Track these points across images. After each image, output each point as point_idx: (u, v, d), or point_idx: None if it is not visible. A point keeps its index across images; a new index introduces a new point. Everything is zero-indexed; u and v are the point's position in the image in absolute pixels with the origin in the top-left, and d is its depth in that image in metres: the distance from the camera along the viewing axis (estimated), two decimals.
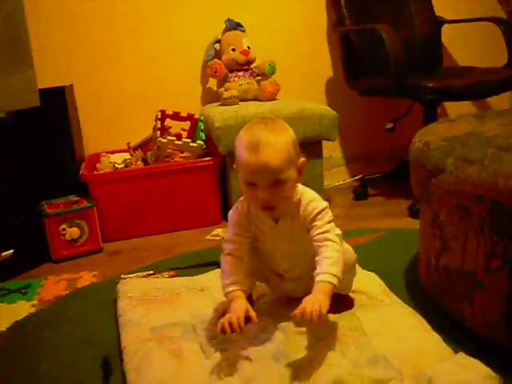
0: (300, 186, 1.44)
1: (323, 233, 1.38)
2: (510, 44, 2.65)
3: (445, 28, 3.01)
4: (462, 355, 1.29)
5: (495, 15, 2.99)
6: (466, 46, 3.21)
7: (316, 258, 1.36)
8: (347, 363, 1.33)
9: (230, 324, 1.33)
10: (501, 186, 1.23)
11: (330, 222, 1.40)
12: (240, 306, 1.38)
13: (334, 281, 1.31)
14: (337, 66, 3.00)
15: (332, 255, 1.35)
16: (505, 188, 1.23)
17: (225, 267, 1.45)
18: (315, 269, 1.36)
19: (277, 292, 1.63)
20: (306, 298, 1.29)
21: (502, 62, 2.71)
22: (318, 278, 1.32)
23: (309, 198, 1.43)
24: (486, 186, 1.27)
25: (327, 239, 1.37)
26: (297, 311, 1.27)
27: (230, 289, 1.42)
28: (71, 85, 2.64)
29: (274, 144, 1.31)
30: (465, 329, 1.46)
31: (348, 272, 1.47)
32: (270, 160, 1.30)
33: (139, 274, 1.98)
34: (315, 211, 1.40)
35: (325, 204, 1.42)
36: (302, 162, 1.40)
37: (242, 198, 1.47)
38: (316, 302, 1.26)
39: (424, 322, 1.49)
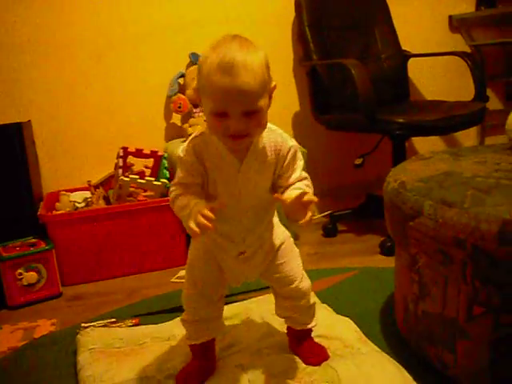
0: (268, 124, 1.29)
1: (300, 179, 1.30)
2: (476, 78, 2.65)
3: (411, 62, 3.01)
4: None
5: (459, 49, 3.01)
6: (432, 79, 3.22)
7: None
8: None
9: (199, 224, 1.14)
10: (483, 231, 1.18)
11: (301, 165, 1.31)
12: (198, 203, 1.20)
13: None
14: (304, 100, 2.97)
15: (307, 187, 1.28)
16: (487, 233, 1.17)
17: (182, 202, 1.24)
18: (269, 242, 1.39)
19: (232, 276, 1.45)
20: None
21: (467, 95, 2.70)
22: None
23: (281, 137, 1.30)
24: (468, 231, 1.21)
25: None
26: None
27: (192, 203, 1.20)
28: (29, 121, 2.55)
29: (251, 65, 1.13)
30: (447, 378, 1.40)
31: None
32: (246, 84, 1.12)
33: (100, 322, 1.87)
34: (290, 153, 1.29)
35: (296, 144, 1.31)
36: (274, 87, 1.23)
37: (194, 135, 1.30)
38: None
39: (404, 371, 1.42)
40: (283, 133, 1.32)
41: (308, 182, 1.31)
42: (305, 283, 1.47)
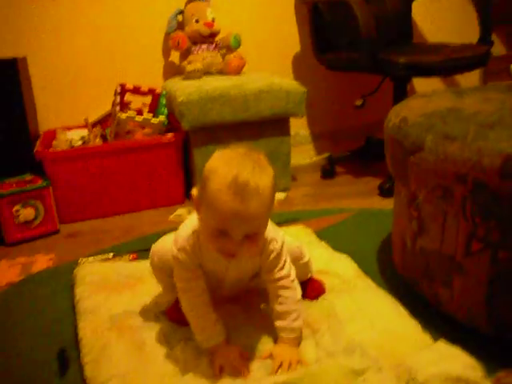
0: None
1: (280, 279, 1.29)
2: (482, 20, 2.59)
3: (415, 3, 2.93)
4: (441, 343, 1.23)
5: None
6: (436, 21, 3.15)
7: (275, 307, 1.29)
8: (321, 353, 1.26)
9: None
10: (485, 165, 1.16)
11: (285, 262, 1.30)
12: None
13: (299, 334, 1.30)
14: (305, 39, 2.90)
15: (292, 309, 1.28)
16: (490, 167, 1.16)
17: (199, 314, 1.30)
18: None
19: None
20: (277, 351, 1.27)
21: (471, 38, 2.64)
22: (283, 334, 1.29)
23: (268, 237, 1.26)
24: (469, 165, 1.19)
25: (285, 287, 1.29)
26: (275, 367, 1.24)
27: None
28: (24, 57, 2.49)
29: (262, 191, 1.09)
30: (443, 314, 1.41)
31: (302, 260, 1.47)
32: (256, 210, 1.09)
33: (98, 257, 1.88)
34: (272, 255, 1.27)
35: (281, 241, 1.29)
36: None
37: (187, 235, 1.26)
38: (289, 355, 1.25)
39: (400, 307, 1.43)
40: (271, 231, 1.27)
41: (293, 294, 1.30)
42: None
